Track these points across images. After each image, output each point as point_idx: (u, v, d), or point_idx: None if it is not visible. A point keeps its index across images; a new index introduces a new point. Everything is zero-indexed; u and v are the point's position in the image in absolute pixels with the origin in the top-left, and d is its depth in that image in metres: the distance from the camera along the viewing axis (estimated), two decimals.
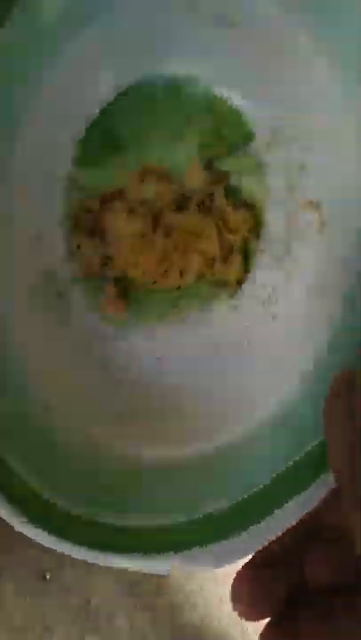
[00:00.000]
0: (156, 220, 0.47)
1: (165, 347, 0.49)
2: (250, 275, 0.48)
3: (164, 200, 0.47)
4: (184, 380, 0.48)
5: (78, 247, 0.49)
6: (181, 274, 0.48)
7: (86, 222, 0.49)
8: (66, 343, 0.48)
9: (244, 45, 0.44)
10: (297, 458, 0.39)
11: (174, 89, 0.47)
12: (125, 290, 0.49)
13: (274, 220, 0.47)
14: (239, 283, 0.48)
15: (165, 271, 0.48)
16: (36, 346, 0.46)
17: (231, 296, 0.48)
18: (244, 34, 0.44)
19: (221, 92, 0.47)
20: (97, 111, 0.48)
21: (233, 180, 0.48)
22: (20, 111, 0.46)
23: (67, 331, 0.48)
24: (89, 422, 0.45)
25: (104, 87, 0.47)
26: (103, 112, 0.48)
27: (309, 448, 0.39)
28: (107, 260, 0.49)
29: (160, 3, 0.44)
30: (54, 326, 0.48)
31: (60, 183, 0.49)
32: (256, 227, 0.47)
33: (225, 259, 0.47)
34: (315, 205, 0.45)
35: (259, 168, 0.47)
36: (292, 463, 0.39)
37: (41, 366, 0.46)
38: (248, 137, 0.47)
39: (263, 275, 0.47)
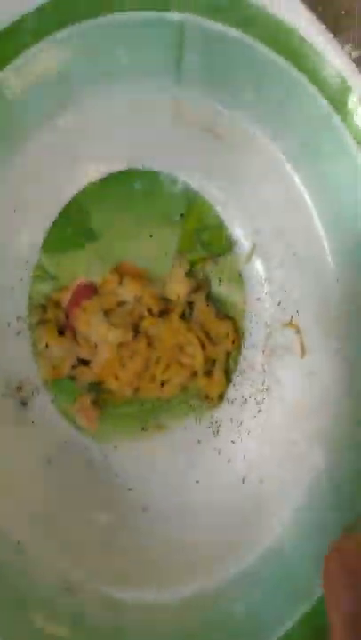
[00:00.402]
0: (135, 326, 0.43)
1: (140, 465, 0.43)
2: (229, 389, 0.45)
3: (143, 304, 0.43)
4: (162, 509, 0.42)
5: (46, 346, 0.42)
6: (162, 385, 0.43)
7: (54, 318, 0.42)
8: (32, 463, 0.40)
9: (225, 156, 0.43)
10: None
11: (154, 185, 0.45)
12: (99, 398, 0.43)
13: (254, 335, 0.45)
14: (221, 397, 0.44)
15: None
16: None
17: (211, 409, 0.44)
18: (226, 146, 0.43)
19: (202, 195, 0.45)
20: (71, 196, 0.44)
21: (212, 287, 0.45)
22: None
23: (32, 446, 0.41)
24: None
25: (80, 174, 0.43)
26: (78, 198, 0.44)
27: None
28: (78, 363, 0.43)
29: (147, 110, 0.42)
30: (17, 441, 0.40)
31: (26, 270, 0.43)
32: (237, 340, 0.45)
33: (207, 372, 0.44)
34: (295, 326, 0.44)
35: (239, 278, 0.45)
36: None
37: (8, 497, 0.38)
38: (228, 245, 0.45)
39: (242, 391, 0.45)
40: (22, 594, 0.35)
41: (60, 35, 0.38)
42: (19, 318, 0.43)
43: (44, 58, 0.38)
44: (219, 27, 0.37)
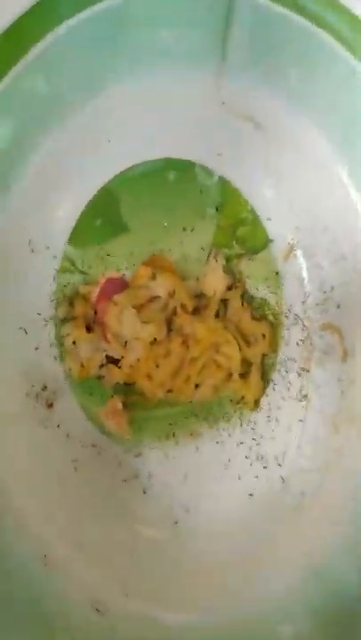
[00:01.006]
0: (168, 322, 0.40)
1: (170, 474, 0.40)
2: (265, 394, 0.42)
3: (177, 300, 0.40)
4: (194, 522, 0.39)
5: (74, 343, 0.39)
6: (195, 387, 0.41)
7: (82, 313, 0.40)
8: (58, 470, 0.37)
9: (266, 147, 0.41)
10: None
11: (188, 176, 0.42)
12: (128, 400, 0.41)
13: (291, 337, 0.43)
14: (257, 402, 0.41)
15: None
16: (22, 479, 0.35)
17: (247, 415, 0.41)
18: (268, 137, 0.40)
19: (238, 188, 0.43)
20: (101, 185, 0.41)
21: (248, 286, 0.43)
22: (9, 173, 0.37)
23: (57, 451, 0.38)
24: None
25: (111, 161, 0.41)
26: (109, 187, 0.42)
27: None
28: (107, 361, 0.40)
29: (186, 95, 0.40)
30: (42, 446, 0.37)
31: (53, 263, 0.40)
32: (273, 342, 0.42)
33: (243, 375, 0.41)
34: (336, 329, 0.42)
35: (276, 277, 0.42)
36: None
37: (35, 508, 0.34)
38: (266, 242, 0.42)
39: (279, 396, 0.42)
40: (49, 614, 0.32)
41: (90, 12, 0.35)
42: (44, 314, 0.39)
43: (73, 39, 0.35)
44: (269, 3, 0.35)
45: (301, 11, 0.35)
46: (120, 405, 0.39)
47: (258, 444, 0.41)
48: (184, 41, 0.36)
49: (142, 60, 0.37)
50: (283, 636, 0.32)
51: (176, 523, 0.39)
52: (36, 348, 0.39)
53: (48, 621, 0.32)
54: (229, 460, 0.41)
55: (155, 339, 0.39)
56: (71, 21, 0.34)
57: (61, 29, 0.34)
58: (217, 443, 0.41)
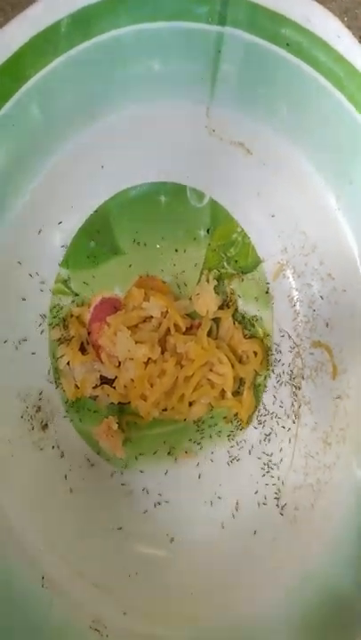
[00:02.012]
0: (162, 342, 0.41)
1: (166, 492, 0.41)
2: (258, 411, 0.43)
3: (170, 320, 0.41)
4: (190, 539, 0.40)
5: (68, 364, 0.40)
6: (190, 405, 0.41)
7: (76, 334, 0.40)
8: (54, 491, 0.38)
9: (256, 171, 0.42)
10: None
11: (180, 199, 0.43)
12: (122, 420, 0.41)
13: (282, 355, 0.44)
14: (250, 419, 0.42)
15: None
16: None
17: (240, 432, 0.42)
18: (258, 162, 0.41)
19: (228, 211, 0.44)
20: (94, 209, 0.42)
21: (239, 305, 0.44)
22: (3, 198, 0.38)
23: (53, 472, 0.38)
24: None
25: (104, 186, 0.42)
26: (102, 211, 0.42)
27: None
28: (101, 381, 0.41)
29: (176, 123, 0.41)
30: (37, 467, 0.38)
31: (46, 285, 0.41)
32: (265, 360, 0.43)
33: (236, 392, 0.42)
34: (325, 346, 0.43)
35: (266, 296, 0.43)
36: None
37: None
38: (256, 262, 0.43)
39: (271, 413, 0.43)
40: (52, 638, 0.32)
41: (88, 44, 0.36)
42: (38, 335, 0.40)
43: (70, 70, 0.36)
44: (258, 40, 0.36)
45: (290, 48, 0.36)
46: (115, 425, 0.40)
47: (251, 461, 0.41)
48: (175, 73, 0.38)
49: (135, 89, 0.38)
50: None
51: (172, 540, 0.39)
52: (31, 370, 0.40)
53: None
54: (224, 477, 0.41)
55: (149, 359, 0.40)
56: (69, 53, 0.35)
57: (58, 61, 0.35)
58: (211, 461, 0.41)
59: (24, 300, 0.40)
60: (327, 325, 0.41)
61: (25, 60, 0.34)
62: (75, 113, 0.38)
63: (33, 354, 0.40)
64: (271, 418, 0.42)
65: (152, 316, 0.41)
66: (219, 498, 0.41)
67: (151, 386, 0.40)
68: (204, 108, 0.39)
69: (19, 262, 0.40)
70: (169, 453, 0.42)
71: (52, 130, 0.38)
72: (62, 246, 0.42)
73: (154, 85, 0.38)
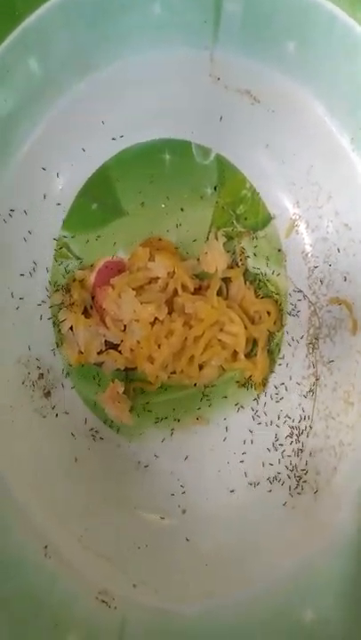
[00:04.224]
0: (169, 303, 0.39)
1: (176, 462, 0.38)
2: (273, 373, 0.40)
3: (177, 281, 0.39)
4: (204, 510, 0.37)
5: (71, 329, 0.38)
6: (200, 368, 0.39)
7: (79, 299, 0.38)
8: (58, 460, 0.36)
9: (264, 121, 0.40)
10: None
11: (185, 156, 0.41)
12: (129, 387, 0.39)
13: (297, 314, 0.41)
14: (264, 382, 0.40)
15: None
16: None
17: (254, 397, 0.40)
18: (266, 110, 0.39)
19: (236, 166, 0.41)
20: (95, 169, 0.40)
21: (250, 264, 0.41)
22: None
23: (57, 441, 0.36)
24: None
25: (104, 144, 0.40)
26: (103, 171, 0.40)
27: None
28: (106, 347, 0.39)
29: (180, 71, 0.39)
30: (41, 436, 0.36)
31: (47, 248, 0.39)
32: (278, 320, 0.40)
33: (249, 354, 0.40)
34: (344, 302, 0.40)
35: (279, 253, 0.41)
36: None
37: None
38: (267, 219, 0.41)
39: (288, 375, 0.40)
40: (57, 611, 0.30)
41: None
42: (40, 300, 0.38)
43: (65, 14, 0.34)
44: None
45: None
46: (121, 389, 0.38)
47: (267, 426, 0.39)
48: (177, 15, 0.36)
49: (135, 37, 0.36)
50: (305, 620, 0.30)
51: (184, 511, 0.37)
52: (31, 336, 0.38)
53: (57, 618, 0.30)
54: (238, 444, 0.39)
55: (155, 318, 0.38)
56: None
57: (52, 3, 0.33)
58: (224, 427, 0.39)
59: (25, 264, 0.38)
60: (345, 279, 0.38)
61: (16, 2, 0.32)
62: (72, 62, 0.37)
63: (34, 319, 0.38)
64: (288, 380, 0.39)
65: (158, 277, 0.39)
66: (232, 466, 0.39)
67: (158, 347, 0.37)
68: (208, 54, 0.37)
69: (22, 226, 0.38)
70: (178, 421, 0.39)
71: (50, 79, 0.37)
72: (63, 208, 0.40)
73: (155, 31, 0.36)
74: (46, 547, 0.32)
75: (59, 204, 0.39)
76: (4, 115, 0.35)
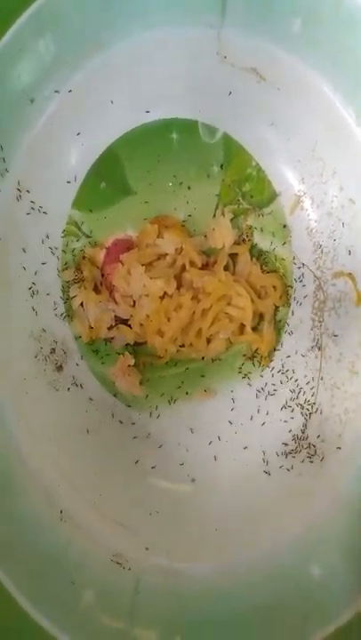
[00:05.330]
0: (178, 279, 0.40)
1: (185, 433, 0.40)
2: (279, 347, 0.41)
3: (185, 257, 0.40)
4: (212, 479, 0.39)
5: (81, 305, 0.39)
6: (208, 342, 0.40)
7: (89, 276, 0.39)
8: (70, 431, 0.37)
9: (269, 99, 0.40)
10: None
11: (191, 135, 0.42)
12: (139, 361, 0.40)
13: (302, 288, 0.42)
14: (270, 355, 0.41)
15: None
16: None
17: (261, 370, 0.41)
18: (271, 88, 0.40)
19: (242, 144, 0.42)
20: (103, 148, 0.41)
21: (256, 241, 0.42)
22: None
23: (69, 414, 0.38)
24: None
25: (112, 123, 0.40)
26: (112, 150, 0.41)
27: None
28: (116, 322, 0.40)
29: (186, 50, 0.39)
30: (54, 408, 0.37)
31: (57, 226, 0.40)
32: (284, 294, 0.41)
33: (255, 328, 0.41)
34: (349, 275, 0.41)
35: (284, 229, 0.42)
36: None
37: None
38: (272, 196, 0.42)
39: (294, 349, 0.41)
40: (71, 569, 0.31)
41: None
42: (51, 276, 0.39)
43: None
44: None
45: None
46: (132, 361, 0.39)
47: (273, 396, 0.40)
48: None
49: (143, 15, 0.37)
50: (313, 576, 0.31)
51: (193, 480, 0.38)
52: (43, 311, 0.39)
53: (73, 576, 0.31)
54: (245, 414, 0.40)
55: (165, 293, 0.39)
56: None
57: None
58: (232, 399, 0.40)
59: (36, 242, 0.39)
60: (350, 253, 0.39)
61: None
62: (83, 40, 0.37)
63: (46, 295, 0.39)
64: (294, 353, 0.40)
65: (166, 254, 0.40)
66: (240, 436, 0.40)
67: (168, 320, 0.38)
68: (215, 32, 0.38)
69: (31, 204, 0.39)
70: (187, 393, 0.40)
71: (62, 58, 0.37)
72: (73, 187, 0.40)
73: (163, 10, 0.37)
74: (61, 511, 0.33)
75: (68, 182, 0.40)
76: (18, 91, 0.36)
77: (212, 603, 0.32)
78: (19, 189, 0.38)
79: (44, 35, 0.36)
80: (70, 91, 0.38)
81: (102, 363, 0.40)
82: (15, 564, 0.30)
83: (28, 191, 0.39)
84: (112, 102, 0.40)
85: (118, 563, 0.32)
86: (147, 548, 0.34)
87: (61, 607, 0.30)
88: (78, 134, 0.40)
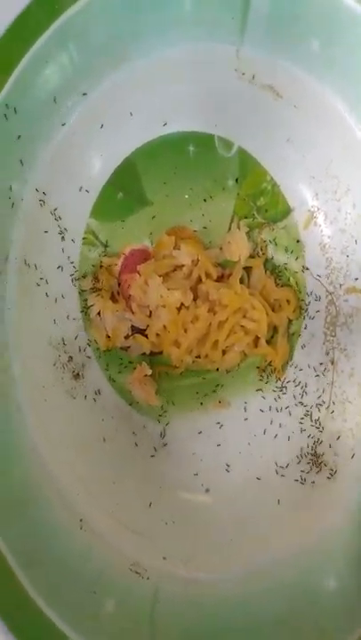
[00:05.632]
0: (193, 290, 0.40)
1: (199, 443, 0.40)
2: (292, 360, 0.42)
3: (201, 268, 0.40)
4: (226, 489, 0.39)
5: (99, 314, 0.40)
6: (223, 354, 0.41)
7: (107, 285, 0.40)
8: (87, 440, 0.37)
9: (285, 115, 0.41)
10: None
11: (208, 149, 0.42)
12: (155, 371, 0.41)
13: (315, 302, 0.43)
14: (284, 368, 0.41)
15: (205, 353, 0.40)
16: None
17: (274, 382, 0.41)
18: (287, 105, 0.41)
19: (257, 159, 0.43)
20: (121, 160, 0.42)
21: (270, 254, 0.43)
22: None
23: (86, 422, 0.38)
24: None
25: (131, 136, 0.41)
26: (129, 161, 0.42)
27: None
28: (132, 332, 0.40)
29: (206, 66, 0.40)
30: (71, 416, 0.37)
31: (76, 236, 0.40)
32: (297, 308, 0.42)
33: (269, 341, 0.41)
34: (360, 291, 0.42)
35: (297, 244, 0.42)
36: None
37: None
38: (286, 210, 0.42)
39: (306, 362, 0.42)
40: (91, 576, 0.32)
41: None
42: (69, 285, 0.40)
43: (103, 8, 0.36)
44: None
45: None
46: (149, 371, 0.39)
47: (287, 408, 0.41)
48: (207, 12, 0.37)
49: (165, 31, 0.37)
50: (328, 588, 0.32)
51: (208, 490, 0.39)
52: (62, 319, 0.39)
53: (95, 586, 0.31)
54: (258, 426, 0.40)
55: (181, 305, 0.39)
56: None
57: None
58: (245, 410, 0.41)
59: (55, 251, 0.39)
60: None
61: None
62: (106, 54, 0.38)
63: (64, 303, 0.39)
64: (307, 366, 0.41)
65: (183, 265, 0.41)
66: (253, 447, 0.40)
67: (185, 331, 0.39)
68: (234, 49, 0.38)
69: (50, 214, 0.39)
70: (201, 404, 0.41)
71: (85, 71, 0.38)
72: (91, 196, 0.41)
73: (184, 27, 0.38)
74: (81, 520, 0.34)
75: (87, 192, 0.40)
76: (41, 102, 0.36)
77: (231, 611, 0.32)
78: (40, 199, 0.38)
79: (69, 47, 0.36)
80: (92, 102, 0.38)
81: (119, 372, 0.40)
82: (40, 573, 0.30)
83: (48, 200, 0.39)
84: (131, 114, 0.40)
85: (137, 572, 0.33)
86: (164, 558, 0.34)
87: (84, 616, 0.30)
88: (98, 145, 0.40)
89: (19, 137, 0.36)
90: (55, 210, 0.39)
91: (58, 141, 0.38)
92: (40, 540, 0.31)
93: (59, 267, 0.40)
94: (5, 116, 0.35)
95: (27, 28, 0.34)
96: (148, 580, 0.33)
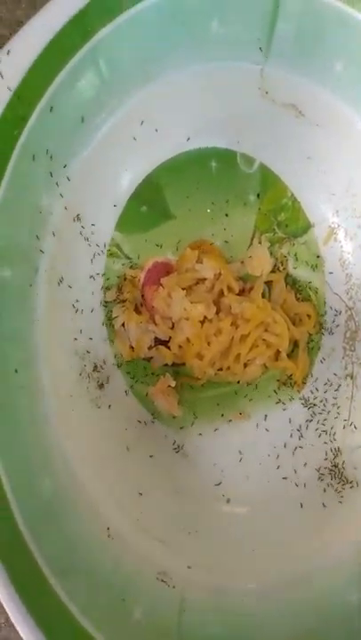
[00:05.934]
0: (215, 303, 0.41)
1: (221, 454, 0.41)
2: (312, 373, 0.43)
3: (223, 282, 0.41)
4: (247, 501, 0.40)
5: (123, 325, 0.40)
6: (244, 366, 0.41)
7: (131, 297, 0.40)
8: (112, 449, 0.38)
9: (306, 134, 0.42)
10: None
11: (230, 164, 0.43)
12: (177, 382, 0.41)
13: (335, 317, 0.43)
14: (304, 381, 0.42)
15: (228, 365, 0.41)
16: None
17: (294, 395, 0.42)
18: (309, 124, 0.41)
19: (278, 175, 0.44)
20: (145, 174, 0.42)
21: (290, 269, 0.43)
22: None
23: (110, 431, 0.39)
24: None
25: (155, 151, 0.42)
26: (153, 176, 0.43)
27: None
28: (155, 343, 0.41)
29: (230, 85, 0.41)
30: (96, 425, 0.38)
31: (101, 248, 0.41)
32: (317, 323, 0.43)
33: (290, 355, 0.42)
34: None
35: (317, 260, 0.43)
36: None
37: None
38: (306, 226, 0.43)
39: (325, 376, 0.42)
40: (121, 584, 0.32)
41: (149, 3, 0.37)
42: (94, 297, 0.40)
43: (132, 28, 0.37)
44: None
45: (349, 1, 0.36)
46: (172, 382, 0.40)
47: (306, 421, 0.41)
48: (233, 32, 0.38)
49: (192, 50, 0.38)
50: (352, 604, 0.32)
51: (229, 501, 0.39)
52: (87, 330, 0.40)
53: (124, 593, 0.32)
54: (278, 438, 0.41)
55: (205, 317, 0.40)
56: (132, 10, 0.35)
57: (122, 18, 0.35)
58: (265, 422, 0.41)
59: (81, 262, 0.40)
60: None
61: (92, 14, 0.34)
62: (134, 74, 0.38)
63: (90, 314, 0.40)
64: (326, 381, 0.42)
65: (205, 278, 0.41)
66: (273, 459, 0.41)
67: (208, 344, 0.40)
68: (259, 69, 0.39)
69: (78, 226, 0.40)
70: (222, 415, 0.41)
71: (113, 90, 0.38)
72: (117, 210, 0.42)
73: (211, 46, 0.38)
74: (108, 528, 0.34)
75: (115, 206, 0.41)
76: (72, 119, 0.37)
77: (258, 622, 0.32)
78: (69, 212, 0.39)
79: (100, 66, 0.37)
80: (119, 119, 0.39)
81: (142, 382, 0.41)
82: (73, 581, 0.30)
83: (76, 213, 0.40)
84: (156, 131, 0.41)
85: (163, 581, 0.33)
86: (189, 567, 0.35)
87: (115, 624, 0.30)
88: (124, 160, 0.41)
89: (47, 151, 0.37)
90: (83, 223, 0.40)
91: (86, 157, 0.39)
92: (72, 549, 0.32)
93: (86, 278, 0.41)
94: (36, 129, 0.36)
95: (61, 48, 0.35)
96: (174, 588, 0.33)
